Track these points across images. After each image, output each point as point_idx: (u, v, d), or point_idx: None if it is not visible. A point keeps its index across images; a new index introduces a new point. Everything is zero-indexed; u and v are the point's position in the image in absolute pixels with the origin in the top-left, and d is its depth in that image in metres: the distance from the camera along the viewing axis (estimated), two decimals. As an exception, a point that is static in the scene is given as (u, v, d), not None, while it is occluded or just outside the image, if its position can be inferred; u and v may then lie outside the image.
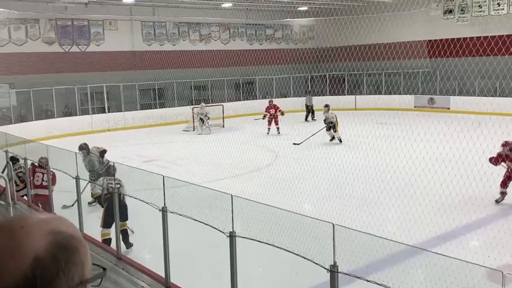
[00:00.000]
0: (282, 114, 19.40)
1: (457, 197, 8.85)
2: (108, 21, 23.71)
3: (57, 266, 0.85)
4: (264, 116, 19.55)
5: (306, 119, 23.29)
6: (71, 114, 22.11)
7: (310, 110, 23.57)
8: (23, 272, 0.82)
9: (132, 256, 6.57)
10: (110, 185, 7.53)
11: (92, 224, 7.91)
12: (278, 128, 19.15)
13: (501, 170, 9.79)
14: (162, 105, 24.64)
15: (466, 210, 8.16)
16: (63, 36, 22.65)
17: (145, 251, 7.56)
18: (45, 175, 8.52)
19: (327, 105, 17.21)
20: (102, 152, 10.38)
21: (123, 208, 7.31)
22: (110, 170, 8.11)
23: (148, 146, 17.47)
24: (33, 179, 8.77)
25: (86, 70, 22.26)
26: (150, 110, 23.84)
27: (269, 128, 19.20)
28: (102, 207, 7.83)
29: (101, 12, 22.73)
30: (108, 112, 22.63)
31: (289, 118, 21.36)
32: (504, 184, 9.22)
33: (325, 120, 16.82)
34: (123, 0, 22.09)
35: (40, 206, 8.46)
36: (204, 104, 21.27)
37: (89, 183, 9.10)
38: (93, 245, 6.87)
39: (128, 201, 7.69)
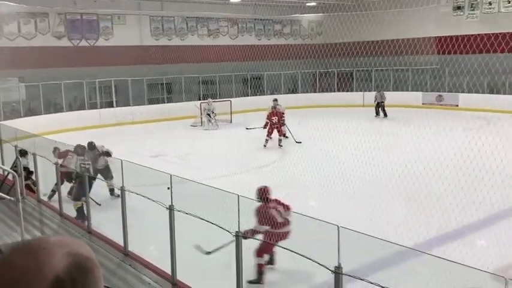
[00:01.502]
0: (283, 124, 16.25)
1: (465, 196, 8.83)
2: (117, 15, 23.77)
3: (75, 287, 0.90)
4: (266, 125, 16.00)
5: (376, 114, 22.75)
6: (79, 108, 22.25)
7: (381, 106, 22.87)
8: None
9: (139, 252, 6.63)
10: (82, 165, 8.93)
11: (101, 222, 8.00)
12: (281, 140, 15.80)
13: (507, 169, 9.76)
14: (169, 100, 24.71)
15: (472, 209, 8.14)
16: (72, 30, 22.75)
17: (152, 247, 7.62)
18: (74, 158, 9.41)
19: (275, 99, 17.47)
20: (89, 145, 10.21)
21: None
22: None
23: (155, 141, 17.56)
24: (64, 160, 9.46)
25: (94, 64, 22.35)
26: (157, 105, 23.91)
27: (267, 140, 15.75)
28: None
29: (110, 6, 22.80)
30: (116, 106, 22.74)
31: (297, 114, 21.34)
32: None
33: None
34: (132, -5, 22.19)
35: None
36: (211, 100, 21.31)
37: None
38: (102, 242, 6.95)
39: (135, 197, 7.75)
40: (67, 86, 21.20)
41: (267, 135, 15.76)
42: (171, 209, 5.57)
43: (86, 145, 10.07)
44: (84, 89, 21.97)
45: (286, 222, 6.28)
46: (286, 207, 6.50)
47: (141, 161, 10.35)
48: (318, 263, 3.97)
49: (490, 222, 8.08)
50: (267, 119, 16.03)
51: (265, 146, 15.64)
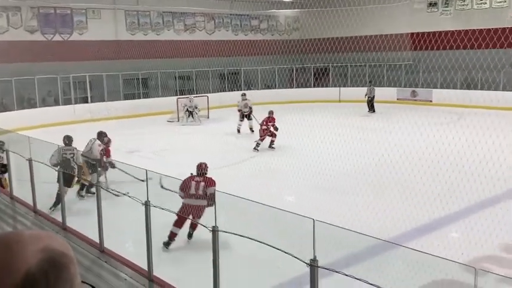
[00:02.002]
0: (276, 129, 14.83)
1: (437, 189, 9.02)
2: (92, 9, 23.41)
3: (47, 282, 0.89)
4: (263, 134, 14.68)
5: (369, 111, 22.71)
6: (54, 104, 21.88)
7: (370, 102, 22.81)
8: (14, 285, 0.86)
9: (115, 249, 6.59)
10: (64, 155, 9.17)
11: (77, 217, 7.91)
12: (273, 142, 14.83)
13: (481, 162, 10.00)
14: (146, 95, 24.49)
15: (445, 202, 8.33)
16: (45, 24, 22.33)
17: (128, 243, 7.58)
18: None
19: (244, 94, 17.80)
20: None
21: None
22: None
23: (131, 137, 17.38)
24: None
25: (68, 59, 21.99)
26: (133, 100, 23.67)
27: (258, 144, 14.60)
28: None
29: (85, 0, 22.44)
30: (91, 102, 22.43)
31: (274, 109, 21.40)
32: None
33: (243, 109, 17.28)
34: (107, -11, 21.86)
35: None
36: (192, 96, 21.26)
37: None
38: (77, 239, 6.88)
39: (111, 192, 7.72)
40: (41, 81, 20.83)
41: (261, 140, 14.63)
42: (147, 204, 5.55)
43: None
44: (58, 84, 21.61)
45: (200, 197, 7.04)
46: (209, 184, 7.16)
47: (117, 157, 10.30)
48: (294, 256, 4.02)
49: (461, 215, 8.27)
50: (265, 124, 14.71)
51: (256, 148, 14.48)
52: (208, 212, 5.42)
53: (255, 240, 4.39)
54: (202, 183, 7.20)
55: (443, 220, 8.07)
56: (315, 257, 3.98)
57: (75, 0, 22.21)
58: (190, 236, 7.39)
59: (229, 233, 4.72)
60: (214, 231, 4.74)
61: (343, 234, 4.53)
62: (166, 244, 7.12)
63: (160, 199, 5.91)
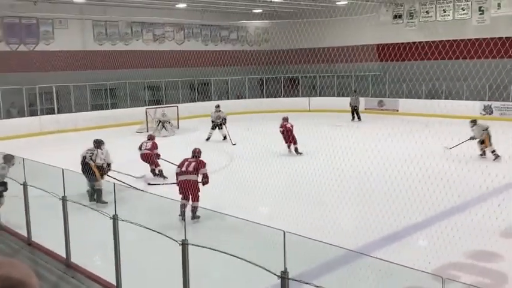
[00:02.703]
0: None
1: (404, 197, 9.16)
2: (58, 19, 23.03)
3: None
4: (288, 139, 15.02)
5: (352, 119, 23.26)
6: (19, 115, 21.37)
7: (355, 110, 23.41)
8: None
9: (82, 263, 6.44)
10: (85, 154, 10.31)
11: (45, 231, 7.70)
12: (296, 149, 15.08)
13: (448, 169, 10.23)
14: (114, 106, 24.15)
15: (412, 210, 8.47)
16: (10, 34, 21.84)
17: (96, 257, 7.43)
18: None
19: (217, 106, 18.63)
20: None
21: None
22: None
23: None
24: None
25: (34, 70, 21.56)
26: (101, 111, 23.32)
27: (288, 145, 15.21)
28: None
29: (51, 10, 22.05)
30: (58, 113, 22.00)
31: (245, 119, 21.45)
32: None
33: (216, 120, 18.07)
34: (74, -1, 21.53)
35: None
36: (165, 112, 21.09)
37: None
38: (42, 254, 6.71)
39: (78, 206, 7.55)
40: (6, 92, 20.34)
41: (287, 142, 15.10)
42: (115, 218, 5.45)
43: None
44: (24, 95, 21.13)
45: (189, 173, 8.83)
46: (200, 165, 8.97)
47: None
48: (264, 269, 4.01)
49: (428, 223, 8.41)
50: (282, 128, 15.01)
51: (289, 150, 15.00)
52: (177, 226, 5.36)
53: (226, 253, 4.36)
54: (194, 163, 8.94)
55: (411, 228, 8.20)
56: (285, 268, 3.99)
57: (41, 10, 21.81)
58: (194, 218, 8.32)
59: (199, 246, 4.68)
60: (184, 244, 4.69)
61: (313, 246, 4.55)
62: (181, 215, 8.04)
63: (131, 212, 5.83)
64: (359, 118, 23.25)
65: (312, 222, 8.17)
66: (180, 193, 8.75)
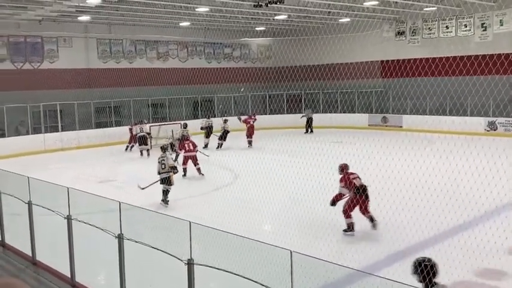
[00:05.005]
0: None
1: (408, 214, 9.09)
2: (63, 38, 23.27)
3: None
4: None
5: (306, 131, 24.90)
6: (27, 133, 21.44)
7: (309, 123, 25.18)
8: None
9: (86, 283, 6.40)
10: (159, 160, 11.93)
11: (49, 250, 7.66)
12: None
13: (457, 186, 10.16)
14: (118, 124, 24.24)
15: (417, 227, 8.40)
16: (15, 53, 22.05)
17: (100, 276, 7.38)
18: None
19: (226, 120, 20.62)
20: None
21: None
22: None
23: (103, 166, 17.13)
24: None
25: (39, 88, 21.69)
26: (105, 129, 23.38)
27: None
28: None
29: (55, 29, 22.30)
30: (62, 131, 22.08)
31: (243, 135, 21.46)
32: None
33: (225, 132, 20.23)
34: (78, 18, 21.72)
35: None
36: (173, 130, 20.64)
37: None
38: (48, 273, 6.67)
39: (84, 225, 7.52)
40: (10, 110, 20.46)
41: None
42: (120, 237, 5.43)
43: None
44: (28, 113, 21.23)
45: (191, 150, 14.73)
46: (194, 145, 14.87)
47: (88, 187, 10.10)
48: (271, 289, 3.98)
49: (434, 241, 8.34)
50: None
51: None
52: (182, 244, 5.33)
53: (231, 273, 4.33)
54: (191, 143, 14.81)
55: (417, 246, 8.13)
56: (292, 288, 3.95)
57: (46, 29, 22.03)
58: (199, 171, 14.50)
59: (204, 265, 4.64)
60: (190, 264, 4.66)
61: (319, 265, 4.52)
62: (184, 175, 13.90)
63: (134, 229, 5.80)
64: (311, 131, 24.91)
65: (316, 242, 8.11)
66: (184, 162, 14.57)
